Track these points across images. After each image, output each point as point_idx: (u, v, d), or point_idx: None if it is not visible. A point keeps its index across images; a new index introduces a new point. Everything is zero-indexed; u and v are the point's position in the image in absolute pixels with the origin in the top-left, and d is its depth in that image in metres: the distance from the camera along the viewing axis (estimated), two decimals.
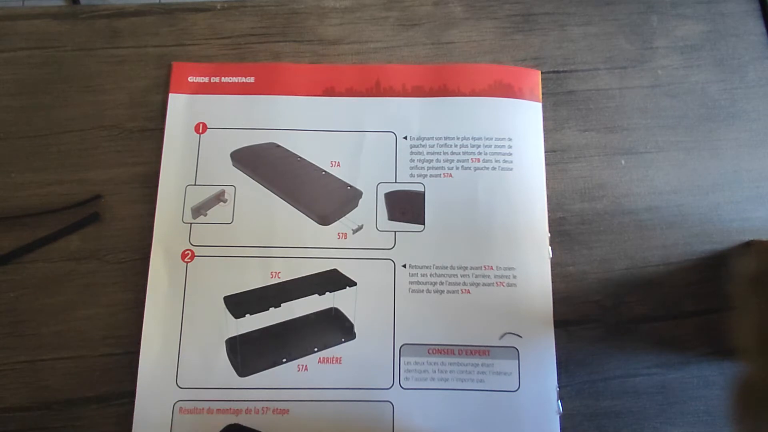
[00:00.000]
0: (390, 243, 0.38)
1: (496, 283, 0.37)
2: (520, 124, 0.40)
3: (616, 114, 0.41)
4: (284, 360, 0.36)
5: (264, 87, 0.41)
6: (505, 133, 0.40)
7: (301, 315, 0.37)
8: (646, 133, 0.41)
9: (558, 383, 0.36)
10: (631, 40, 0.43)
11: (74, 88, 0.41)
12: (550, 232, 0.38)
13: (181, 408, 0.35)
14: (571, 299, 0.38)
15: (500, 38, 0.43)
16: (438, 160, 0.39)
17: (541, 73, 0.42)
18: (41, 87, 0.41)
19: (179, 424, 0.34)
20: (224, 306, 0.36)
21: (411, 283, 0.37)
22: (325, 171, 0.39)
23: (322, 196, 0.38)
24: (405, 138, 0.40)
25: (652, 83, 0.42)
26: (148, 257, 0.37)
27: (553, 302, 0.37)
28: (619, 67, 0.42)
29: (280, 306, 0.36)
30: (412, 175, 0.39)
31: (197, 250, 0.37)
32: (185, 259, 0.37)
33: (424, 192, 0.39)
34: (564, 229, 0.39)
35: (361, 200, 0.39)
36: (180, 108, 0.40)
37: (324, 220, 0.38)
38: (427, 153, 0.40)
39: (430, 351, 0.36)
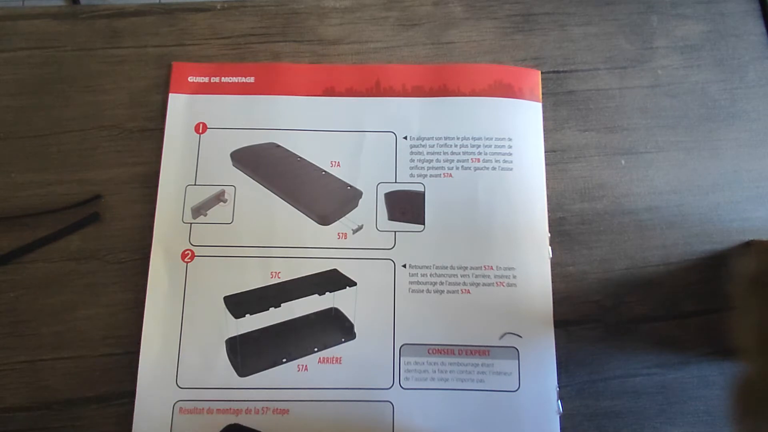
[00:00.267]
0: (390, 243, 0.38)
1: (496, 283, 0.37)
2: (520, 124, 0.40)
3: (616, 114, 0.41)
4: (284, 360, 0.36)
5: (264, 87, 0.41)
6: (505, 133, 0.40)
7: (301, 315, 0.37)
8: (646, 133, 0.41)
9: (558, 383, 0.36)
10: (631, 40, 0.43)
11: (74, 88, 0.41)
12: (550, 232, 0.38)
13: (181, 408, 0.35)
14: (571, 299, 0.38)
15: (500, 38, 0.43)
16: (438, 160, 0.39)
17: (541, 73, 0.42)
18: (41, 87, 0.41)
19: (179, 424, 0.34)
20: (224, 306, 0.36)
21: (411, 283, 0.37)
22: (325, 171, 0.39)
23: (322, 196, 0.38)
24: (405, 138, 0.40)
25: (652, 83, 0.42)
26: (148, 257, 0.37)
27: (553, 302, 0.37)
28: (619, 67, 0.42)
29: (280, 306, 0.36)
30: (412, 175, 0.39)
31: (197, 250, 0.37)
32: (185, 259, 0.37)
33: (424, 192, 0.39)
34: (564, 229, 0.39)
35: (361, 200, 0.39)
36: (180, 108, 0.40)
37: (324, 220, 0.38)
38: (427, 153, 0.40)
39: (430, 351, 0.36)
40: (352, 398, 0.35)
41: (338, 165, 0.39)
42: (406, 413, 0.35)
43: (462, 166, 0.39)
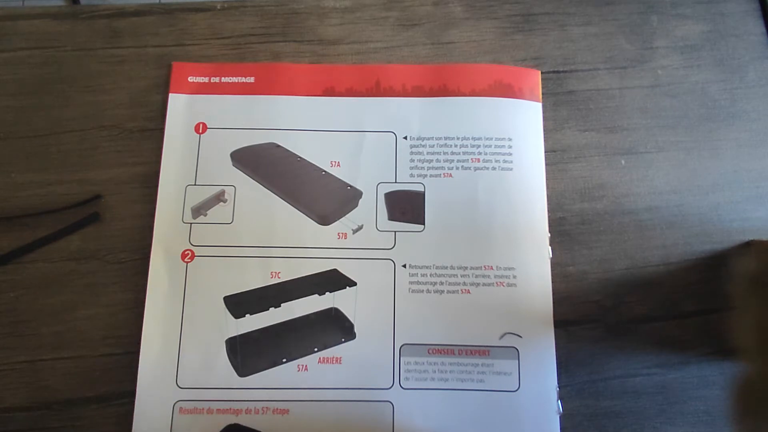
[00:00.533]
0: (390, 243, 0.38)
1: (496, 283, 0.37)
2: (520, 124, 0.40)
3: (616, 114, 0.41)
4: (284, 360, 0.36)
5: (264, 87, 0.41)
6: (505, 133, 0.40)
7: (301, 315, 0.37)
8: (646, 133, 0.41)
9: (558, 383, 0.36)
10: (631, 40, 0.43)
11: (74, 88, 0.41)
12: (550, 232, 0.38)
13: (181, 408, 0.35)
14: (571, 299, 0.38)
15: (500, 38, 0.43)
16: (438, 160, 0.39)
17: (541, 73, 0.42)
18: (41, 87, 0.41)
19: (179, 424, 0.34)
20: (224, 306, 0.36)
21: (411, 283, 0.37)
22: (325, 171, 0.39)
23: (322, 196, 0.38)
24: (405, 138, 0.40)
25: (652, 83, 0.42)
26: (148, 257, 0.37)
27: (553, 302, 0.37)
28: (619, 67, 0.42)
29: (280, 306, 0.36)
30: (412, 175, 0.39)
31: (197, 250, 0.37)
32: (185, 259, 0.37)
33: (424, 192, 0.39)
34: (564, 229, 0.39)
35: (361, 200, 0.39)
36: (180, 108, 0.40)
37: (324, 220, 0.38)
38: (427, 153, 0.40)
39: (430, 351, 0.36)
40: (352, 398, 0.35)
41: (338, 165, 0.39)
42: (406, 413, 0.35)
43: (462, 166, 0.39)
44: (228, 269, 0.37)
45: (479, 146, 0.39)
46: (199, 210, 0.38)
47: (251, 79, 0.41)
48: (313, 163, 0.39)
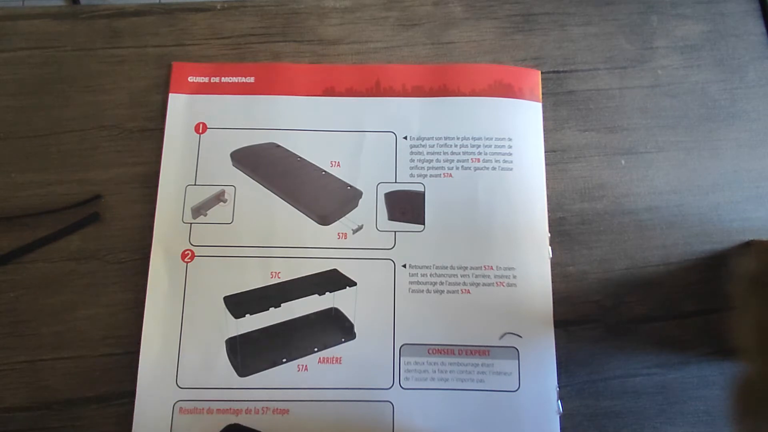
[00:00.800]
0: (390, 243, 0.38)
1: (496, 283, 0.37)
2: (520, 124, 0.40)
3: (616, 114, 0.41)
4: (284, 360, 0.36)
5: (264, 87, 0.41)
6: (505, 133, 0.40)
7: (301, 315, 0.37)
8: (646, 133, 0.41)
9: (558, 383, 0.36)
10: (631, 40, 0.43)
11: (74, 88, 0.41)
12: (550, 232, 0.38)
13: (181, 408, 0.35)
14: (571, 299, 0.38)
15: (500, 38, 0.43)
16: (438, 160, 0.39)
17: (541, 73, 0.42)
18: (41, 87, 0.41)
19: (179, 424, 0.34)
20: (224, 306, 0.36)
21: (411, 283, 0.37)
22: (325, 171, 0.39)
23: (322, 196, 0.38)
24: (405, 138, 0.40)
25: (652, 83, 0.42)
26: (148, 257, 0.37)
27: (553, 302, 0.37)
28: (619, 67, 0.42)
29: (280, 306, 0.36)
30: (412, 175, 0.39)
31: (197, 250, 0.37)
32: (185, 259, 0.37)
33: (424, 192, 0.39)
34: (564, 229, 0.39)
35: (361, 200, 0.39)
36: (180, 108, 0.40)
37: (324, 220, 0.38)
38: (427, 153, 0.40)
39: (430, 351, 0.36)
40: (352, 398, 0.35)
41: (338, 165, 0.39)
42: (406, 413, 0.35)
43: (462, 166, 0.39)
44: (228, 269, 0.37)
45: (479, 146, 0.39)
46: (199, 210, 0.38)
47: (251, 79, 0.41)
48: (313, 163, 0.39)
